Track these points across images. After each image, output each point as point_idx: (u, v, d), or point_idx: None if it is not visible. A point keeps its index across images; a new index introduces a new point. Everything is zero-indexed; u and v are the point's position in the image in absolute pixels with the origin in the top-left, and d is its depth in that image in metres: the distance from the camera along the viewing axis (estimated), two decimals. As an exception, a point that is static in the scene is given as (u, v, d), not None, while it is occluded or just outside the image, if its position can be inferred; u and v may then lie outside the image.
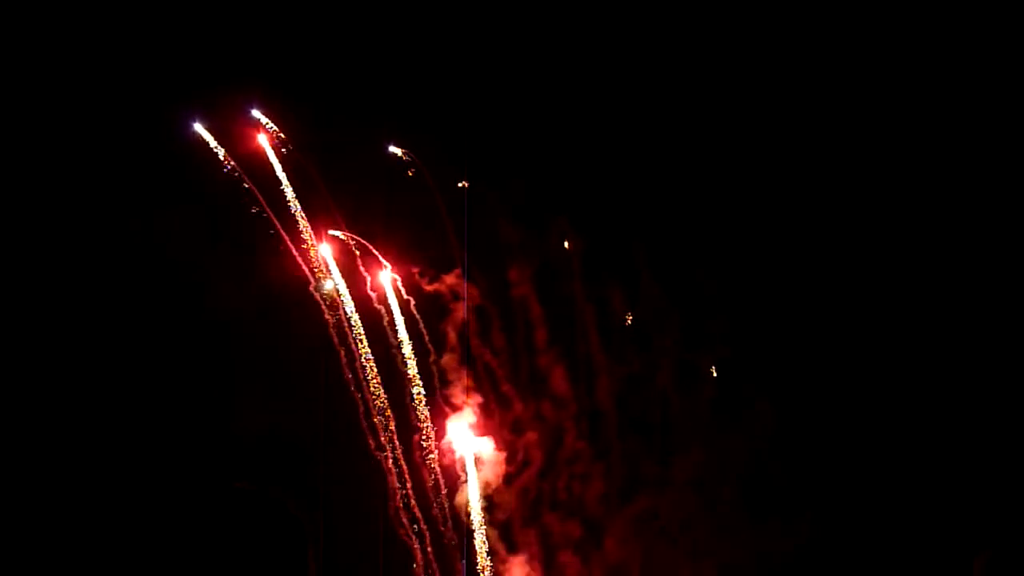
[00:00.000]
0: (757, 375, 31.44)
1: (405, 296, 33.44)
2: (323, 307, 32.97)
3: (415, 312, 33.43)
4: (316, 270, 33.18)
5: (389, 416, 32.95)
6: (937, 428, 30.69)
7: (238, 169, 32.86)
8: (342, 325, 33.03)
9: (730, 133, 31.89)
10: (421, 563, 32.99)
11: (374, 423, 33.08)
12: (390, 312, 33.30)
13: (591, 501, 32.67)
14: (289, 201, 32.94)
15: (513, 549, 33.10)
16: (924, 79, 30.72)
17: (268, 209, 32.86)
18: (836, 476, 30.87)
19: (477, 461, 32.78)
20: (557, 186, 32.86)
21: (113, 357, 32.68)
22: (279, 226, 32.96)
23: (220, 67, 32.61)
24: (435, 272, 33.36)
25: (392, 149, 33.78)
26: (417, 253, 33.47)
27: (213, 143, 32.46)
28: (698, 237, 32.00)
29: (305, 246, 32.88)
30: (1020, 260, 30.71)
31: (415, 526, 33.04)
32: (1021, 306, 30.68)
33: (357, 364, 33.06)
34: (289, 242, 32.97)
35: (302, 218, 33.09)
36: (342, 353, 33.02)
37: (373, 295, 33.25)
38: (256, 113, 33.29)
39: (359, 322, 33.04)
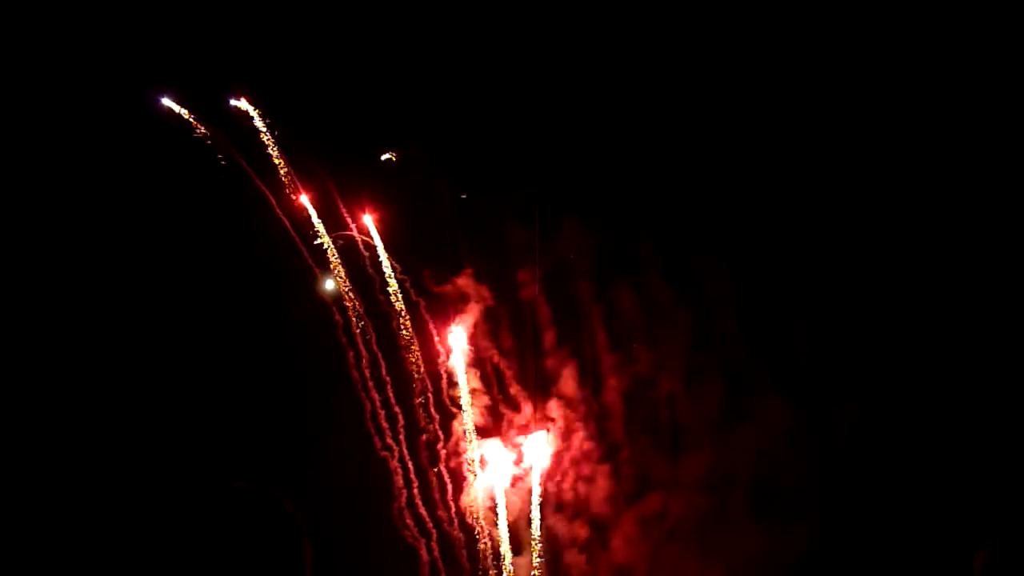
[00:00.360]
0: (767, 376, 31.63)
1: (415, 298, 33.68)
2: (333, 308, 33.31)
3: (425, 313, 33.62)
4: (320, 266, 33.62)
5: (396, 416, 33.14)
6: (940, 428, 30.78)
7: (231, 152, 33.22)
8: (350, 326, 33.27)
9: (737, 136, 32.23)
10: (427, 562, 32.97)
11: (380, 424, 33.19)
12: (399, 313, 33.53)
13: (599, 502, 32.69)
14: (294, 197, 33.32)
15: (519, 551, 33.20)
16: (924, 77, 31.20)
17: (274, 200, 33.24)
18: (842, 476, 30.88)
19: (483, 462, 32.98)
20: (566, 187, 33.11)
21: (110, 357, 32.87)
22: (288, 225, 33.32)
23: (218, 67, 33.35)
24: (444, 274, 33.64)
25: (386, 156, 34.19)
26: (426, 255, 33.82)
27: (187, 116, 32.87)
28: (705, 237, 32.22)
29: (316, 242, 33.34)
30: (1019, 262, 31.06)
31: (420, 527, 33.16)
32: (1017, 308, 30.89)
33: (364, 364, 33.27)
34: (296, 237, 33.41)
35: (299, 194, 33.44)
36: (350, 354, 33.31)
37: (383, 298, 33.66)
38: (245, 104, 33.88)
39: (368, 323, 33.34)
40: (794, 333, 31.66)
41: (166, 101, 33.03)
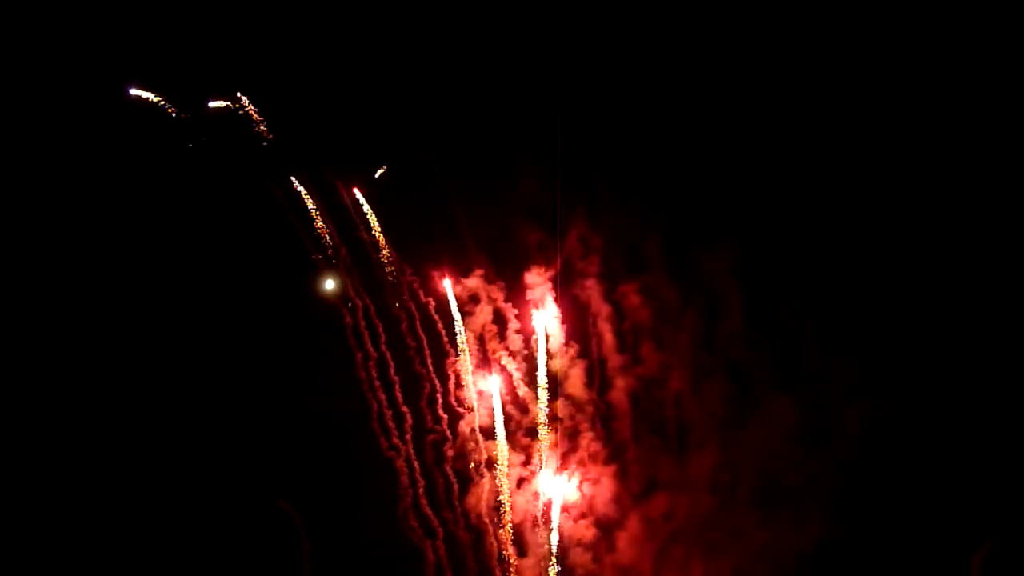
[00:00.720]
0: (773, 376, 31.83)
1: (424, 298, 33.65)
2: (343, 309, 33.23)
3: (434, 315, 33.62)
4: (329, 267, 33.52)
5: (403, 416, 33.18)
6: (942, 429, 31.03)
7: (242, 156, 33.12)
8: (359, 326, 33.22)
9: (745, 134, 32.34)
10: (432, 562, 33.10)
11: (387, 424, 33.22)
12: (409, 315, 33.52)
13: (606, 502, 32.82)
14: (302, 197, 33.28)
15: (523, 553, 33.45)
16: (931, 73, 31.38)
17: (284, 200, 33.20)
18: (847, 476, 31.11)
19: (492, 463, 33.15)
20: (578, 184, 33.15)
21: (111, 357, 32.95)
22: (303, 232, 33.33)
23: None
24: (455, 276, 33.67)
25: (382, 171, 34.15)
26: (437, 257, 33.85)
27: (154, 98, 32.76)
28: (713, 236, 32.30)
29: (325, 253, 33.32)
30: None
31: (425, 527, 33.26)
32: (1016, 310, 31.18)
33: (372, 364, 33.25)
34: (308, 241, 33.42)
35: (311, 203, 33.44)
36: (359, 355, 33.24)
37: (392, 301, 33.61)
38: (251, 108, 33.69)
39: (377, 324, 33.31)
40: (801, 333, 31.79)
41: (166, 103, 33.02)
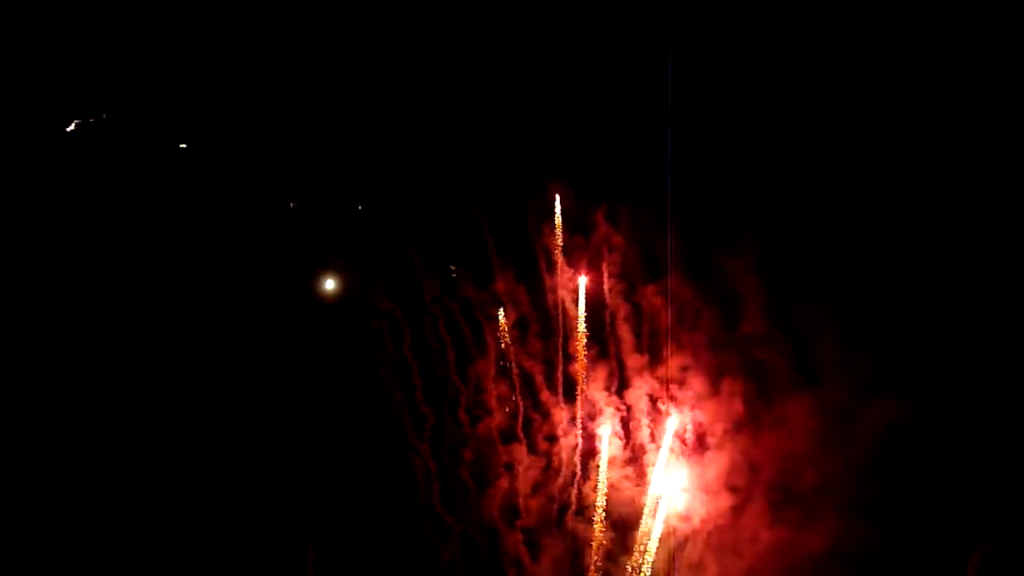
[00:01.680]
0: (793, 376, 32.30)
1: (447, 303, 33.95)
2: (365, 312, 33.31)
3: (460, 318, 33.81)
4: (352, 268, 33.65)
5: (424, 417, 33.31)
6: (955, 429, 31.34)
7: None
8: (382, 328, 33.30)
9: (758, 130, 32.71)
10: (447, 562, 33.23)
11: (404, 424, 33.31)
12: (433, 318, 33.71)
13: (623, 503, 33.13)
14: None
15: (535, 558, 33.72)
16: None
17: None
18: (867, 477, 31.59)
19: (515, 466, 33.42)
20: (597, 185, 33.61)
21: (115, 356, 33.07)
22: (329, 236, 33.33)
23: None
24: (477, 279, 34.06)
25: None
26: (457, 260, 34.19)
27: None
28: (731, 235, 32.65)
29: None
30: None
31: (440, 528, 33.40)
32: (1015, 312, 31.66)
33: (392, 365, 33.33)
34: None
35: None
36: (381, 357, 33.32)
37: (415, 306, 33.73)
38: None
39: (403, 327, 33.44)
40: (821, 332, 32.08)
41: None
